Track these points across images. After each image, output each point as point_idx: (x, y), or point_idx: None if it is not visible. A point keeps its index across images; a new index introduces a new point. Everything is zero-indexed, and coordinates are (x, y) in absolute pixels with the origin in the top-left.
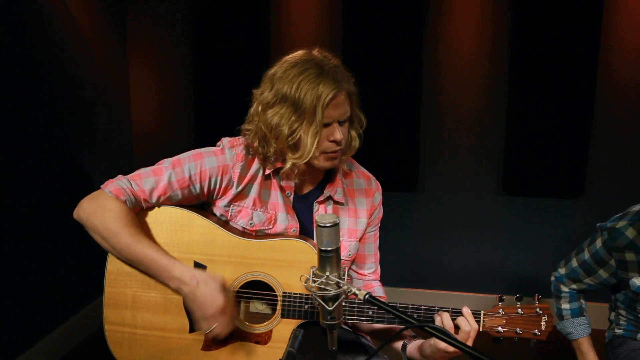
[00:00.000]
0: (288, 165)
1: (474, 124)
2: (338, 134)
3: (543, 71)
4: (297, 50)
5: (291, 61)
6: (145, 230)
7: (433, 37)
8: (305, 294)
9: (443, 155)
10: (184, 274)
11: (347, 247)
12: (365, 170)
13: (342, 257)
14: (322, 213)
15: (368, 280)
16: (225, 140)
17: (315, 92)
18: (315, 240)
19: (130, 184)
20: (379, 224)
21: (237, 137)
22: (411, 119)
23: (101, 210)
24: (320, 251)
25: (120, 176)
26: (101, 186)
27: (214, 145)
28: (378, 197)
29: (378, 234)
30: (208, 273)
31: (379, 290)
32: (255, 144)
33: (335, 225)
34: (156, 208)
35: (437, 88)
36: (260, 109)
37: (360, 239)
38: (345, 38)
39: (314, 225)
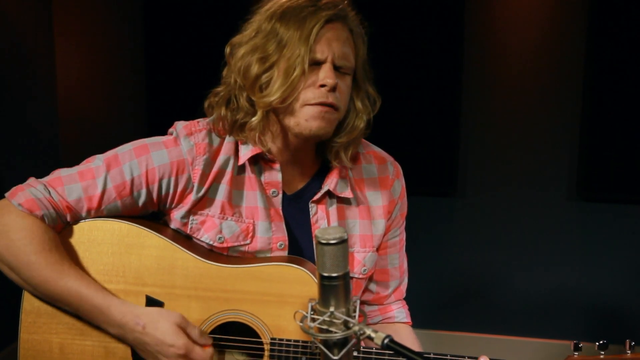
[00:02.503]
0: (256, 117)
1: (535, 115)
2: (329, 74)
3: (623, 61)
4: None
5: None
6: (75, 254)
7: (475, 12)
8: (303, 340)
9: (490, 151)
10: (125, 315)
11: (361, 260)
12: (377, 149)
13: (355, 275)
14: (321, 217)
15: (386, 303)
16: (180, 126)
17: (301, 16)
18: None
19: (49, 193)
20: (404, 223)
21: (196, 121)
22: (449, 109)
23: (6, 232)
24: (322, 278)
25: (32, 180)
26: (6, 195)
27: (165, 132)
28: (398, 186)
29: (404, 240)
30: (159, 310)
31: (400, 315)
32: (223, 111)
33: (343, 242)
34: (89, 222)
35: (481, 73)
36: (228, 50)
37: (378, 248)
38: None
39: (313, 237)
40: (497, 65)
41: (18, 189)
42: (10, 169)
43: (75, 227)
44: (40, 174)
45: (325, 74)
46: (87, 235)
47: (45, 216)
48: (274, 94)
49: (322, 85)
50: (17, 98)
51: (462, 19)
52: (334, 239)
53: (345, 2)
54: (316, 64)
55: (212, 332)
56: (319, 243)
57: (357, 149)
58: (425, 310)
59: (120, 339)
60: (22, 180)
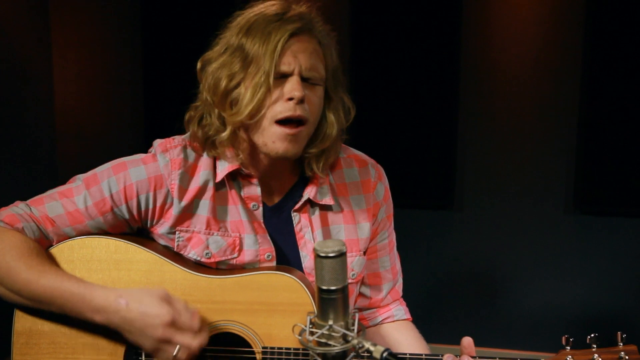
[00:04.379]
0: (225, 133)
1: (532, 128)
2: (296, 87)
3: (620, 71)
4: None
5: (252, 7)
6: (63, 270)
7: (473, 21)
8: (295, 348)
9: (487, 165)
10: (107, 297)
11: (349, 264)
12: (358, 153)
13: (348, 295)
14: (305, 225)
15: (383, 304)
16: (156, 143)
17: (266, 31)
18: (303, 266)
19: (30, 209)
20: (392, 224)
21: (171, 138)
22: (446, 122)
23: None
24: (321, 291)
25: (17, 202)
26: None
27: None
28: (381, 189)
29: (394, 239)
30: (141, 288)
31: (399, 313)
32: (196, 128)
33: (342, 255)
34: (79, 240)
35: (478, 85)
36: (200, 66)
37: (366, 252)
38: (354, 35)
39: (299, 244)
40: (494, 78)
41: (1, 210)
42: (8, 181)
43: (64, 245)
44: (38, 187)
45: (292, 87)
46: (76, 253)
47: (25, 228)
48: (242, 112)
49: (290, 99)
50: (14, 111)
51: (459, 33)
52: (332, 252)
53: (313, 13)
54: (283, 77)
55: None
56: (318, 256)
57: (332, 159)
58: (422, 323)
59: (107, 327)
60: (19, 192)
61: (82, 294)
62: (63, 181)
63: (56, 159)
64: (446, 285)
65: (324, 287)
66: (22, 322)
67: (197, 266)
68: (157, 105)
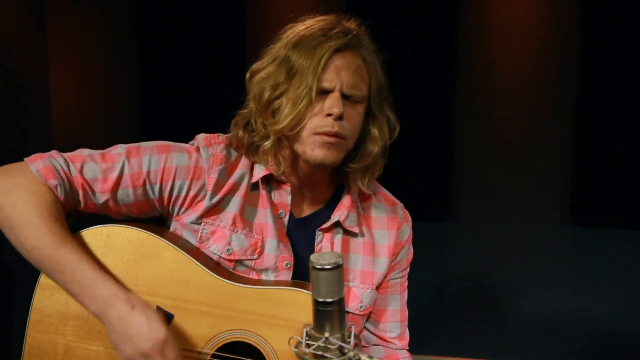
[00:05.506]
0: (269, 141)
1: (529, 139)
2: (335, 103)
3: (618, 80)
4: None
5: (304, 20)
6: (91, 257)
7: (469, 28)
8: None
9: (484, 176)
10: (117, 293)
11: (359, 296)
12: (389, 194)
13: (350, 310)
14: (326, 246)
15: (392, 349)
16: (200, 137)
17: (312, 45)
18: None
19: (68, 167)
20: (408, 269)
21: (216, 134)
22: (443, 133)
23: (17, 190)
24: (317, 303)
25: (54, 152)
26: (25, 159)
27: None
28: (407, 230)
29: (406, 284)
30: (153, 311)
31: None
32: (241, 133)
33: (338, 267)
34: (107, 227)
35: (474, 96)
36: (248, 76)
37: (378, 287)
38: None
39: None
40: (490, 88)
41: (38, 156)
42: None
43: (94, 231)
44: None
45: (331, 103)
46: (104, 240)
47: (59, 186)
48: (282, 122)
49: (329, 115)
50: (10, 121)
51: (455, 43)
52: (328, 264)
53: (360, 30)
54: (325, 93)
55: (218, 350)
56: (314, 268)
57: (377, 174)
58: (419, 335)
59: (97, 317)
60: None
61: (90, 278)
62: None
63: None
64: (443, 296)
65: (320, 300)
66: (41, 299)
67: (219, 268)
68: (155, 114)
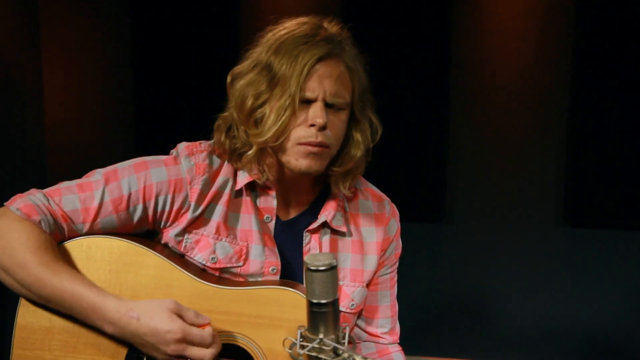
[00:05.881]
0: (251, 150)
1: (522, 140)
2: (319, 114)
3: (611, 82)
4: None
5: (285, 23)
6: (76, 270)
7: (462, 29)
8: None
9: (478, 177)
10: (119, 309)
11: (350, 294)
12: (375, 189)
13: (342, 309)
14: (314, 247)
15: (383, 344)
16: (182, 146)
17: (294, 53)
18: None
19: (48, 201)
20: (397, 264)
21: (198, 142)
22: (437, 135)
23: (2, 234)
24: (311, 304)
25: (33, 190)
26: (5, 204)
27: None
28: (394, 225)
29: (396, 279)
30: (151, 300)
31: (398, 359)
32: (223, 138)
33: (332, 268)
34: (88, 239)
35: (468, 98)
36: (229, 80)
37: (369, 284)
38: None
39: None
40: (484, 91)
41: (17, 197)
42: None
43: (74, 243)
44: None
45: (314, 114)
46: (85, 252)
47: (42, 221)
48: (265, 134)
49: (312, 125)
50: (4, 123)
51: (448, 45)
52: (323, 265)
53: (342, 35)
54: (308, 102)
55: None
56: (308, 269)
57: (356, 179)
58: (413, 336)
59: (118, 338)
60: None
61: (93, 302)
62: None
63: (46, 171)
64: (437, 298)
65: (315, 301)
66: (25, 316)
67: (205, 274)
68: (148, 117)
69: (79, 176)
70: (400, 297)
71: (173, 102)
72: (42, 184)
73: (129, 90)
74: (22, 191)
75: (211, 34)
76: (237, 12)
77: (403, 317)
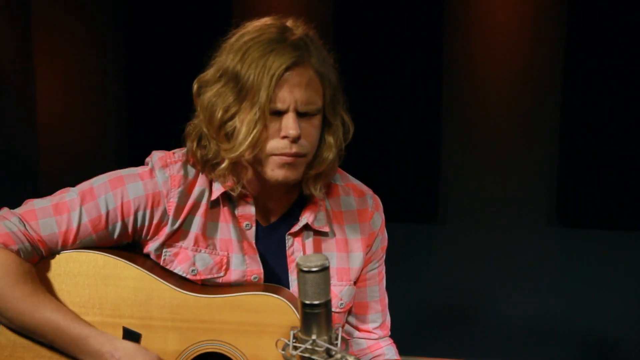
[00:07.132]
0: (224, 164)
1: (515, 141)
2: (291, 125)
3: (603, 82)
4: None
5: (248, 27)
6: (51, 287)
7: (455, 30)
8: None
9: (470, 178)
10: (103, 345)
11: (338, 293)
12: (358, 184)
13: (331, 309)
14: (297, 249)
15: (374, 339)
16: (155, 157)
17: (260, 63)
18: (291, 291)
19: (24, 226)
20: (384, 257)
21: (171, 152)
22: (429, 135)
23: None
24: (304, 305)
25: (6, 211)
26: None
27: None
28: (378, 219)
29: (384, 272)
30: (137, 347)
31: (390, 352)
32: (194, 147)
33: (325, 269)
34: (66, 254)
35: (461, 98)
36: (195, 88)
37: (356, 282)
38: (338, 38)
39: (289, 268)
40: (476, 90)
41: None
42: None
43: (51, 260)
44: (19, 202)
45: (287, 125)
46: (63, 267)
47: (20, 250)
48: (237, 149)
49: (286, 136)
50: None
51: (441, 46)
52: (315, 267)
53: (309, 37)
54: (279, 113)
55: None
56: (301, 271)
57: (328, 180)
58: (406, 336)
59: None
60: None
61: (77, 337)
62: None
63: (39, 174)
64: (430, 298)
65: (307, 302)
66: (7, 335)
67: (186, 283)
68: (141, 120)
69: (72, 179)
70: (393, 298)
71: (166, 103)
72: (34, 186)
73: (122, 92)
74: (14, 194)
75: (203, 35)
76: (229, 13)
77: (395, 317)
